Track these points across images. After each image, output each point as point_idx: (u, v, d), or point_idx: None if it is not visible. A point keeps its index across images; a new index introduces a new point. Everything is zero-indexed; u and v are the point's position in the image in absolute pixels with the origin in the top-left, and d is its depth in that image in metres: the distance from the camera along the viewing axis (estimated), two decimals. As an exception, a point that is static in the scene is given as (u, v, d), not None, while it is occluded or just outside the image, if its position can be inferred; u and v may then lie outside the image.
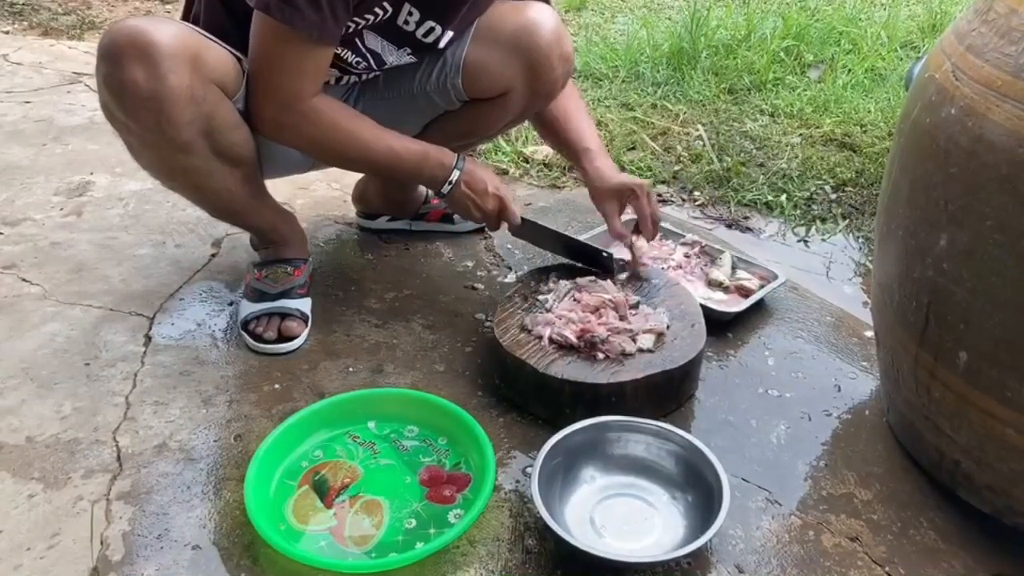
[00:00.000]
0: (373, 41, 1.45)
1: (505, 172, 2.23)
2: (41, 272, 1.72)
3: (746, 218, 2.05)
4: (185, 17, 1.49)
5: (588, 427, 1.22)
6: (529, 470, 1.23)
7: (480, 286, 1.72)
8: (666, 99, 2.64)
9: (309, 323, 1.55)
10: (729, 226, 2.02)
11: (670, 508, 1.18)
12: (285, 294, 1.55)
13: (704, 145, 2.35)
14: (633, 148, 2.36)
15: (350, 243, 1.88)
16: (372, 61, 1.48)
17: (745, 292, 1.64)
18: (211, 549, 1.12)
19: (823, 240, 1.97)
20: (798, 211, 2.07)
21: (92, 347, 1.50)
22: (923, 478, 1.26)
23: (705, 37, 2.97)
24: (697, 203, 2.11)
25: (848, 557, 1.13)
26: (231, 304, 1.63)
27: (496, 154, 2.29)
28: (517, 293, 1.50)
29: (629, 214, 1.61)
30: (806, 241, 1.97)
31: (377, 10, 1.38)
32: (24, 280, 1.69)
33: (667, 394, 1.36)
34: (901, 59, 2.98)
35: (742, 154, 2.30)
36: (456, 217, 1.90)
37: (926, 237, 1.10)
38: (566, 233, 1.61)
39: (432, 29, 1.45)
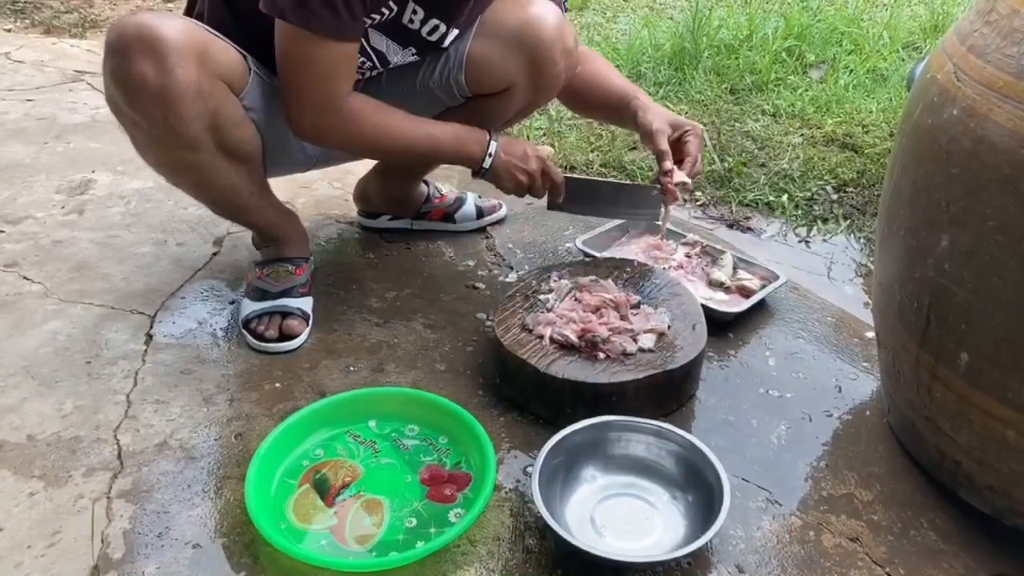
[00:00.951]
0: (378, 40, 1.45)
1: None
2: (42, 270, 1.72)
3: (747, 218, 2.05)
4: (188, 15, 1.49)
5: (589, 427, 1.22)
6: (530, 469, 1.23)
7: (481, 285, 1.72)
8: (668, 99, 2.64)
9: (310, 322, 1.55)
10: (730, 226, 2.02)
11: (670, 508, 1.18)
12: (286, 293, 1.55)
13: (706, 145, 2.34)
14: (635, 148, 2.35)
15: (351, 242, 1.88)
16: (376, 60, 1.48)
17: (746, 292, 1.64)
18: (212, 547, 1.12)
19: (824, 240, 1.97)
20: (799, 211, 2.07)
21: (93, 345, 1.51)
22: (924, 479, 1.26)
23: (707, 37, 2.97)
24: (698, 203, 2.11)
25: (848, 557, 1.13)
26: (232, 303, 1.63)
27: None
28: (518, 292, 1.50)
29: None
30: (807, 241, 1.97)
31: (384, 9, 1.38)
32: (25, 278, 1.70)
33: (668, 394, 1.36)
34: (903, 59, 2.98)
35: (743, 154, 2.30)
36: (457, 216, 1.90)
37: (927, 238, 1.10)
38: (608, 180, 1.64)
39: (436, 27, 1.45)
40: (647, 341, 1.37)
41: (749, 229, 2.01)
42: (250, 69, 1.40)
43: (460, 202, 1.91)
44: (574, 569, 1.09)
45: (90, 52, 3.08)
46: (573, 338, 1.36)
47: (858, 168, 2.22)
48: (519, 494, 1.21)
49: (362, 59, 1.45)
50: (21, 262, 1.75)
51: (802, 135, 2.42)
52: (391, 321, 1.59)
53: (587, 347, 1.36)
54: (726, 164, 2.24)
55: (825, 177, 2.19)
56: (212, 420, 1.34)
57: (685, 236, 1.81)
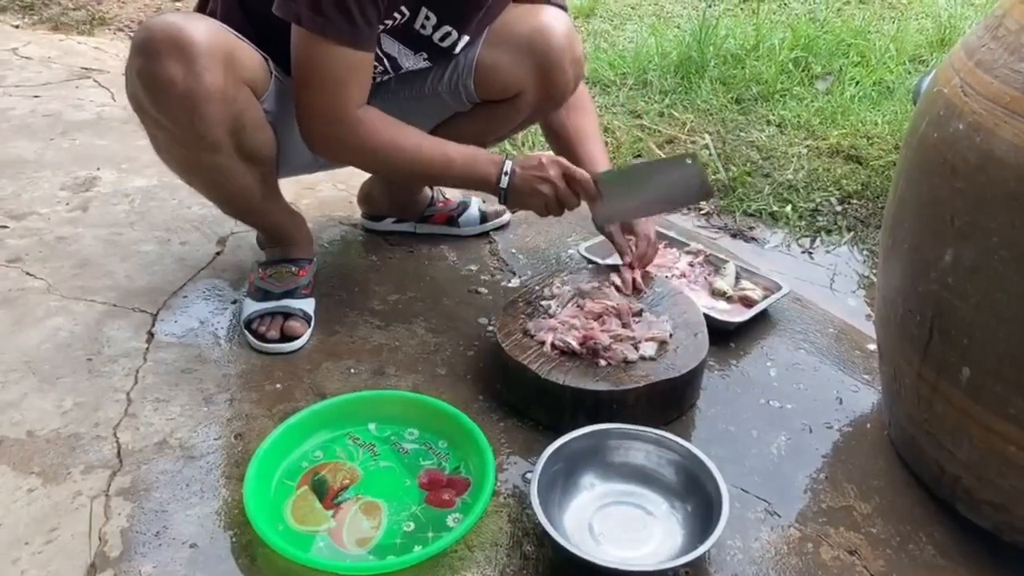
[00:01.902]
0: (390, 45, 1.45)
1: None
2: (46, 266, 1.72)
3: (751, 228, 2.05)
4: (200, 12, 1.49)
5: (588, 434, 1.22)
6: (529, 475, 1.22)
7: (484, 290, 1.72)
8: (673, 107, 2.65)
9: (312, 323, 1.55)
10: (734, 236, 2.02)
11: (669, 517, 1.18)
12: (289, 294, 1.55)
13: (710, 154, 2.35)
14: (639, 155, 2.36)
15: (355, 244, 1.88)
16: (388, 65, 1.48)
17: (748, 302, 1.64)
18: (209, 547, 1.12)
19: (827, 252, 1.97)
20: (803, 222, 2.07)
21: (95, 342, 1.51)
22: (923, 493, 1.25)
23: (714, 46, 2.98)
24: (702, 212, 2.11)
25: (846, 570, 1.13)
26: (234, 302, 1.63)
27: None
28: (521, 298, 1.50)
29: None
30: (810, 252, 1.97)
31: (396, 14, 1.38)
32: (29, 274, 1.70)
33: (669, 403, 1.36)
34: (909, 72, 2.98)
35: (748, 164, 2.30)
36: (461, 220, 1.90)
37: (931, 252, 1.10)
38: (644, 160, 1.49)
39: (448, 33, 1.46)
40: (648, 349, 1.37)
41: (753, 239, 2.01)
42: (271, 73, 1.40)
43: (464, 206, 1.92)
44: (571, 576, 1.09)
45: (97, 49, 3.09)
46: (575, 345, 1.36)
47: (862, 180, 2.22)
48: (518, 500, 1.21)
49: (374, 64, 1.45)
50: (25, 258, 1.76)
51: (807, 146, 2.42)
52: (393, 324, 1.59)
53: (588, 354, 1.35)
54: (730, 173, 2.24)
55: (829, 188, 2.19)
56: (212, 420, 1.34)
57: (688, 245, 1.81)
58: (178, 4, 3.82)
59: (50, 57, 2.97)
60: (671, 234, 1.82)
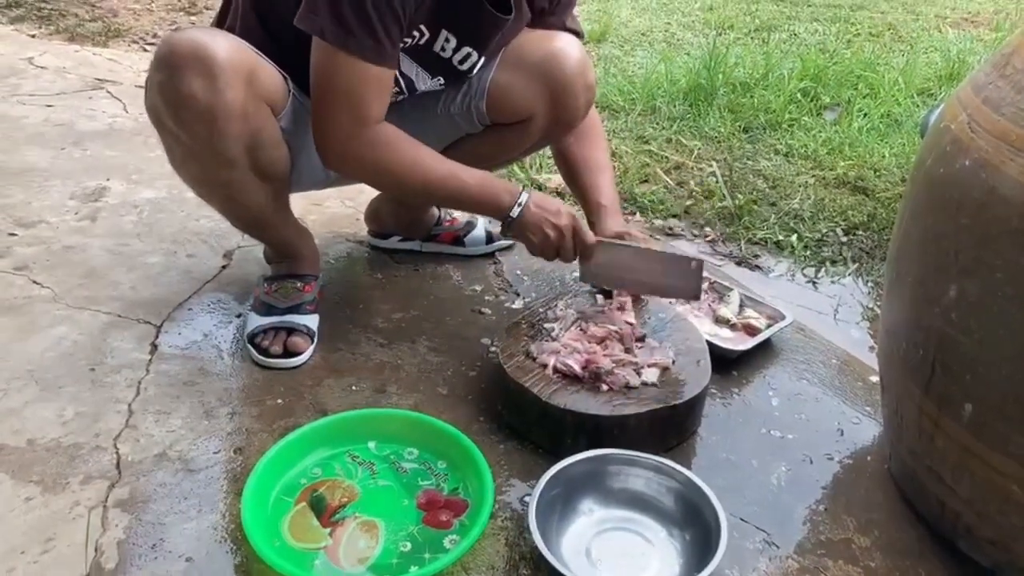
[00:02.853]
0: (408, 67, 1.46)
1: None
2: (52, 275, 1.73)
3: (756, 256, 2.05)
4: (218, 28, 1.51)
5: (588, 459, 1.22)
6: (527, 499, 1.22)
7: (487, 310, 1.72)
8: (681, 134, 2.66)
9: (315, 339, 1.55)
10: (739, 263, 2.02)
11: (667, 545, 1.18)
12: (293, 309, 1.55)
13: (717, 181, 2.35)
14: (646, 181, 2.37)
15: (361, 261, 1.88)
16: (404, 86, 1.49)
17: (752, 330, 1.64)
18: (204, 562, 1.12)
19: (832, 282, 1.97)
20: (808, 252, 2.07)
21: (98, 352, 1.51)
22: (923, 527, 1.25)
23: (723, 74, 3.00)
24: (708, 239, 2.12)
25: (844, 604, 1.12)
26: (239, 316, 1.64)
27: (509, 180, 2.30)
28: (524, 320, 1.51)
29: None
30: (815, 282, 1.97)
31: (415, 33, 1.39)
32: (35, 282, 1.71)
33: (670, 429, 1.36)
34: (917, 105, 2.99)
35: (755, 192, 2.31)
36: (467, 239, 1.91)
37: (935, 286, 1.10)
38: (644, 245, 1.50)
39: (468, 55, 1.47)
40: (651, 375, 1.37)
41: (757, 267, 2.01)
42: (289, 91, 1.41)
43: (470, 226, 1.92)
44: (567, 602, 1.09)
45: (112, 61, 3.12)
46: (577, 368, 1.36)
47: (869, 211, 2.22)
48: (516, 523, 1.21)
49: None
50: (32, 266, 1.77)
51: (814, 176, 2.42)
52: (396, 342, 1.59)
53: (590, 378, 1.35)
54: (737, 201, 2.24)
55: (835, 219, 2.19)
56: (212, 433, 1.34)
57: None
58: (193, 18, 3.86)
59: (65, 67, 3.00)
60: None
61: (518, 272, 1.86)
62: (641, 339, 1.46)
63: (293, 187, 1.55)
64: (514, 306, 1.74)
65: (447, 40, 1.43)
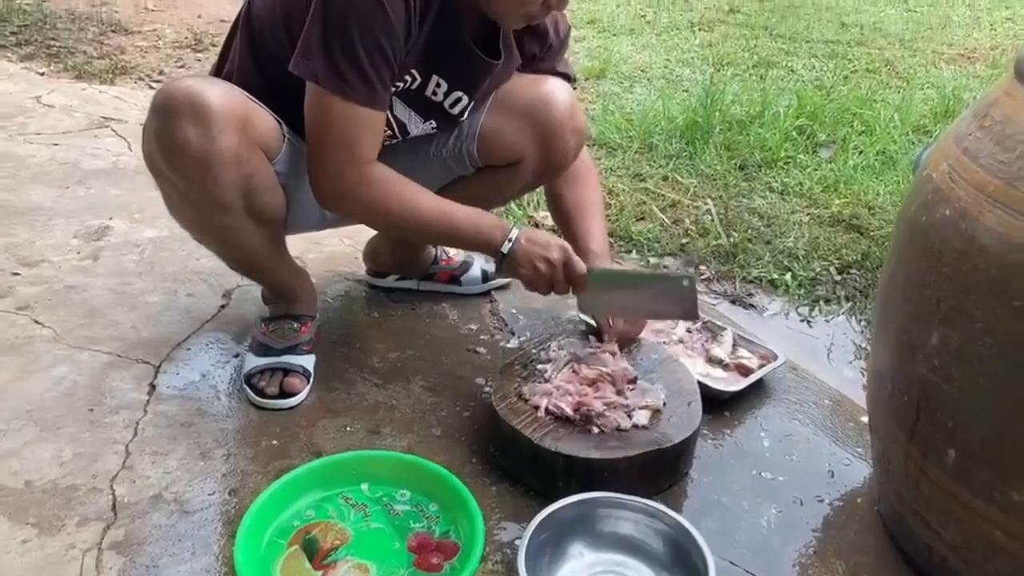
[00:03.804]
0: (401, 111, 1.49)
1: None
2: (54, 315, 1.76)
3: (750, 295, 2.07)
4: (217, 74, 1.55)
5: (577, 503, 1.23)
6: (518, 542, 1.23)
7: (482, 350, 1.74)
8: (677, 172, 2.69)
9: (311, 380, 1.57)
10: (733, 302, 2.04)
11: (656, 589, 1.18)
12: (290, 350, 1.57)
13: (712, 220, 2.38)
14: (642, 219, 2.39)
15: (358, 300, 1.91)
16: (397, 130, 1.52)
17: (745, 371, 1.65)
18: (197, 605, 1.13)
19: (826, 321, 1.99)
20: (802, 290, 2.09)
21: (97, 393, 1.53)
22: (912, 571, 1.25)
23: (719, 112, 3.03)
24: (703, 277, 2.13)
25: (832, 649, 1.13)
26: (236, 356, 1.66)
27: (507, 218, 2.33)
28: (517, 360, 1.52)
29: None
30: (809, 321, 1.99)
31: (407, 77, 1.43)
32: (37, 322, 1.73)
33: (661, 472, 1.37)
34: (913, 143, 3.02)
35: (749, 230, 2.33)
36: (463, 279, 1.93)
37: (919, 333, 1.12)
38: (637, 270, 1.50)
39: (459, 99, 1.50)
40: (641, 417, 1.38)
41: (751, 306, 2.03)
42: (284, 136, 1.44)
43: (467, 265, 1.95)
44: (556, 647, 1.09)
45: (117, 99, 3.17)
46: (568, 411, 1.37)
47: (863, 250, 2.24)
48: (506, 567, 1.22)
49: (384, 128, 1.49)
50: (34, 305, 1.79)
51: (809, 214, 2.45)
52: (391, 382, 1.61)
53: (582, 420, 1.37)
54: (732, 239, 2.27)
55: (829, 258, 2.21)
56: (208, 474, 1.36)
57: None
58: (199, 55, 3.92)
59: (71, 105, 3.05)
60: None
61: (513, 311, 1.88)
62: (633, 381, 1.47)
63: (290, 229, 1.58)
64: (509, 345, 1.76)
65: (438, 84, 1.47)
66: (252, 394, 1.52)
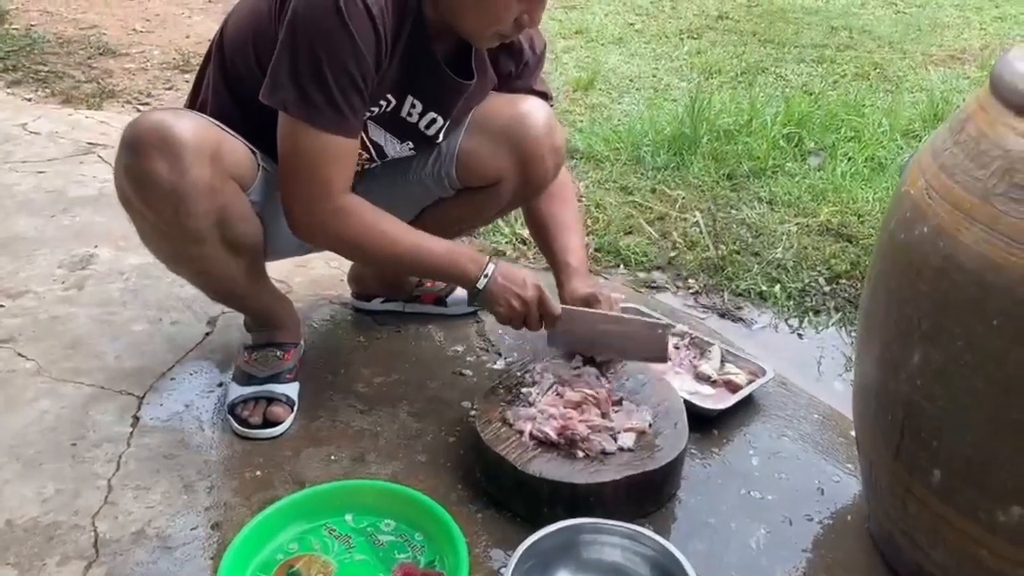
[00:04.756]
0: (377, 133, 1.49)
1: (502, 253, 2.25)
2: (37, 347, 1.74)
3: (739, 308, 2.06)
4: (192, 102, 1.54)
5: (562, 529, 1.22)
6: (503, 570, 1.22)
7: (468, 372, 1.72)
8: (665, 183, 2.68)
9: (295, 408, 1.56)
10: (722, 315, 2.03)
11: (643, 616, 1.17)
12: (273, 378, 1.56)
13: (700, 232, 2.37)
14: (630, 232, 2.38)
15: (343, 324, 1.89)
16: (374, 153, 1.52)
17: (733, 387, 1.64)
18: (178, 645, 1.12)
19: (816, 332, 1.98)
20: (792, 302, 2.08)
21: (80, 426, 1.52)
22: (903, 590, 1.24)
23: (707, 122, 3.02)
24: (691, 291, 2.12)
25: (822, 674, 1.11)
26: (220, 385, 1.64)
27: (494, 235, 2.33)
28: (501, 384, 1.51)
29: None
30: (799, 333, 1.98)
31: (382, 102, 1.42)
32: (20, 355, 1.72)
33: (647, 495, 1.35)
34: (901, 148, 3.01)
35: (738, 242, 2.32)
36: (449, 300, 1.92)
37: (901, 352, 1.11)
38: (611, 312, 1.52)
39: (434, 120, 1.49)
40: (627, 440, 1.37)
41: (740, 319, 2.02)
42: (259, 165, 1.44)
43: (452, 287, 1.93)
44: None
45: (103, 123, 3.16)
46: (553, 435, 1.36)
47: (852, 259, 2.23)
48: (491, 596, 1.20)
49: (360, 151, 1.48)
50: (18, 338, 1.78)
51: (797, 224, 2.44)
52: (376, 408, 1.60)
53: (566, 445, 1.36)
54: (720, 252, 2.26)
55: (818, 268, 2.20)
56: (190, 508, 1.35)
57: (675, 327, 1.81)
58: (187, 76, 3.91)
59: (58, 132, 3.04)
60: (658, 315, 1.83)
61: (500, 331, 1.87)
62: (618, 402, 1.46)
63: (270, 256, 1.57)
64: (495, 366, 1.75)
65: (413, 105, 1.46)
66: (236, 424, 1.51)
